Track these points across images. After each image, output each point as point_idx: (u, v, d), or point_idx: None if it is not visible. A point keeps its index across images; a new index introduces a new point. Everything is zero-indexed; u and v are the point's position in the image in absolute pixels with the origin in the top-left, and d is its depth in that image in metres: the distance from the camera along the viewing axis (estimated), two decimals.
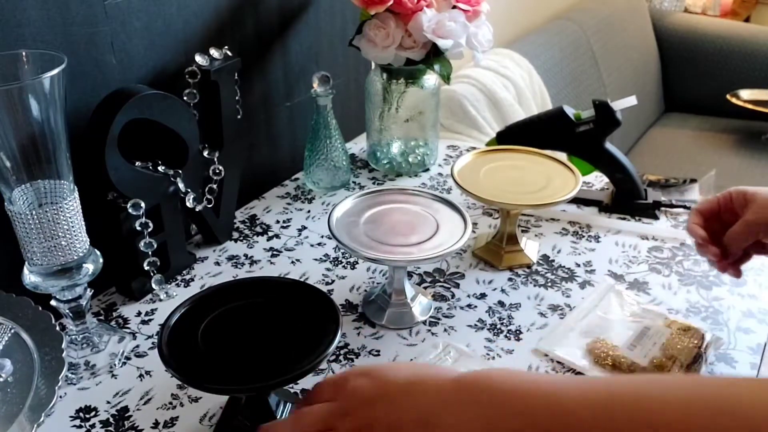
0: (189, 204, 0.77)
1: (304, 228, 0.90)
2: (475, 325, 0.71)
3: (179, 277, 0.79)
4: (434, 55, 0.90)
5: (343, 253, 0.84)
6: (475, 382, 0.45)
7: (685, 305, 0.74)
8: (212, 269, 0.81)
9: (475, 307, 0.74)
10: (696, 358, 0.63)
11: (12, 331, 0.56)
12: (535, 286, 0.77)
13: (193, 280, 0.79)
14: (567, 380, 0.46)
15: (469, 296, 0.76)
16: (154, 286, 0.75)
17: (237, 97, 0.82)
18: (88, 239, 0.62)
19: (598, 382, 0.43)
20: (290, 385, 0.62)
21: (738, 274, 0.67)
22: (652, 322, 0.69)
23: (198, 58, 0.76)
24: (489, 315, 0.73)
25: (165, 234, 0.75)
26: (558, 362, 0.66)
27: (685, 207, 0.90)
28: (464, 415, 0.43)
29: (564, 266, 0.81)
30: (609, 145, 0.90)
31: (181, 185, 0.74)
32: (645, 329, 0.68)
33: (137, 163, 0.71)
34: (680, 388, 0.38)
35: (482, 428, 0.42)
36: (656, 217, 0.90)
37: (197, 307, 0.57)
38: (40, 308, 0.59)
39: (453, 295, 0.76)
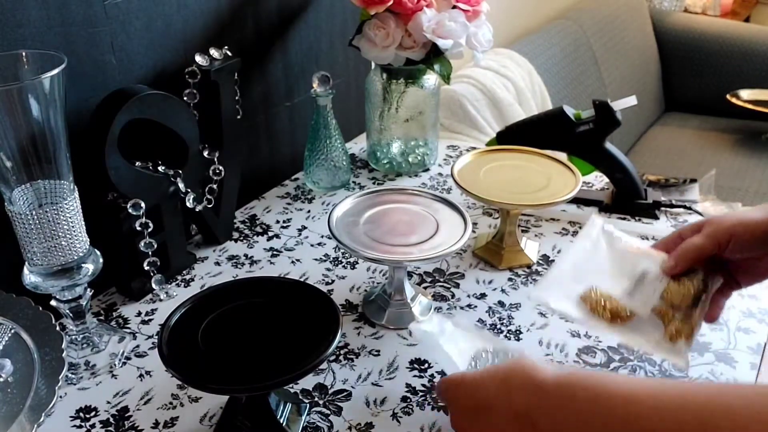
0: (189, 204, 0.77)
1: (304, 228, 0.90)
2: (475, 325, 0.71)
3: (179, 277, 0.79)
4: (434, 55, 0.90)
5: (343, 253, 0.84)
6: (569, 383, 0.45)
7: None
8: (212, 269, 0.81)
9: (475, 307, 0.74)
10: (697, 301, 0.59)
11: (12, 331, 0.56)
12: (535, 286, 0.77)
13: (193, 280, 0.79)
14: (642, 382, 0.45)
15: (469, 296, 0.76)
16: (154, 286, 0.75)
17: (237, 97, 0.82)
18: (88, 239, 0.62)
19: (671, 388, 0.42)
20: (290, 385, 0.62)
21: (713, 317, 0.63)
22: (648, 266, 0.63)
23: (198, 58, 0.76)
24: (489, 315, 0.73)
25: (165, 234, 0.75)
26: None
27: (685, 207, 0.90)
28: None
29: None
30: (609, 145, 0.90)
31: (181, 185, 0.74)
32: (642, 275, 0.62)
33: (137, 163, 0.71)
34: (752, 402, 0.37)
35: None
36: (656, 217, 0.90)
37: (197, 307, 0.57)
38: (40, 308, 0.59)
39: (453, 295, 0.76)
